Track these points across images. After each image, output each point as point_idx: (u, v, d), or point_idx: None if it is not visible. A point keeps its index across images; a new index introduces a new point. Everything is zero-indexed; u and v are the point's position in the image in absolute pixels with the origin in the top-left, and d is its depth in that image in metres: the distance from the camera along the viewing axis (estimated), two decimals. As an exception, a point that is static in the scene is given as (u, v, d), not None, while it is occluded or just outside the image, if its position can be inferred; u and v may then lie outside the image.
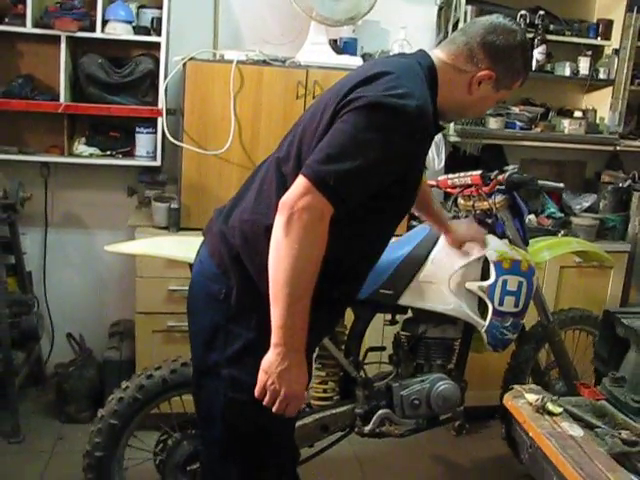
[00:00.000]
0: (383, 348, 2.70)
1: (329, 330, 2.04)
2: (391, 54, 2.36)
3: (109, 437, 2.28)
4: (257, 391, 1.60)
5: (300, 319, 1.54)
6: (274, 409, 1.59)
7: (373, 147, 1.50)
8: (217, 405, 1.78)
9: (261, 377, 1.59)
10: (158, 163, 3.32)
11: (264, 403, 1.59)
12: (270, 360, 1.56)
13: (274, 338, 1.55)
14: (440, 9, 3.63)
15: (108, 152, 3.34)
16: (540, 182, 2.70)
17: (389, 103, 1.52)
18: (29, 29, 3.07)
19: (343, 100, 1.58)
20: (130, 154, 3.38)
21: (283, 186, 1.61)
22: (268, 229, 1.56)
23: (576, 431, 1.55)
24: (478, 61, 1.71)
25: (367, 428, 2.47)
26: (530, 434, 1.59)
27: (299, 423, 2.38)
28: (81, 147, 3.32)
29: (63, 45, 3.11)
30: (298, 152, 1.66)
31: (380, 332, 2.90)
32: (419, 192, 1.87)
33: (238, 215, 1.72)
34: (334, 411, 2.46)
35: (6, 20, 3.09)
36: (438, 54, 1.76)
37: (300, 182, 1.50)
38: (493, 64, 1.72)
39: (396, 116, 1.52)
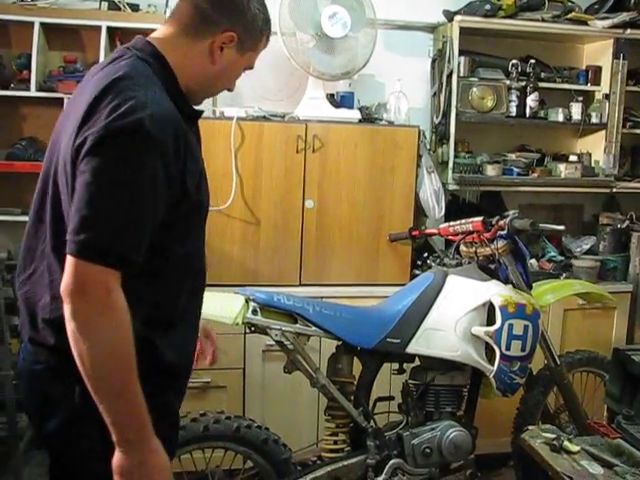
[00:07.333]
0: (392, 397, 2.68)
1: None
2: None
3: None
4: None
5: (136, 406, 1.32)
6: None
7: (123, 185, 1.29)
8: None
9: None
10: (161, 220, 3.33)
11: None
12: (122, 461, 1.33)
13: (114, 436, 1.32)
14: (434, 61, 3.71)
15: (111, 211, 3.36)
16: (541, 225, 2.73)
17: (116, 129, 1.28)
18: (33, 93, 3.14)
19: (73, 145, 1.33)
20: (132, 212, 3.39)
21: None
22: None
23: (596, 469, 1.54)
24: (213, 23, 1.46)
25: (379, 479, 2.44)
26: (549, 473, 1.57)
27: (311, 476, 2.36)
28: (84, 207, 3.34)
29: (66, 108, 3.17)
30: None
31: (388, 381, 2.88)
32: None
33: None
34: (345, 462, 2.43)
35: (12, 86, 3.17)
36: (164, 32, 1.50)
37: (68, 262, 1.29)
38: (231, 24, 1.47)
39: (131, 138, 1.29)
